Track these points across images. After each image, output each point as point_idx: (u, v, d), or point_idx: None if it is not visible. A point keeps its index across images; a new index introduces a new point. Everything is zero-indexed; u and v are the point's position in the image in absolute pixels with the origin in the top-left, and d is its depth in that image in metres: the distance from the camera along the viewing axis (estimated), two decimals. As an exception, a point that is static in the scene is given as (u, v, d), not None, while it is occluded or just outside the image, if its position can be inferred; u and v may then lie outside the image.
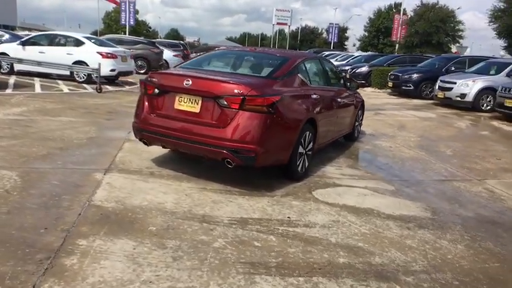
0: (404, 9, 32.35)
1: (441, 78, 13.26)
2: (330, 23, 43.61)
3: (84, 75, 11.62)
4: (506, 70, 12.51)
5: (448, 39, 31.46)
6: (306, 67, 5.10)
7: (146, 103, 4.43)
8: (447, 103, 12.86)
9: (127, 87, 12.43)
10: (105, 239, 2.96)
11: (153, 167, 4.72)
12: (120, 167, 4.62)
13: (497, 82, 12.06)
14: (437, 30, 30.40)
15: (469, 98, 12.27)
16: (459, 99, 12.43)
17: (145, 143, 4.56)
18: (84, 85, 11.50)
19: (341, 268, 2.88)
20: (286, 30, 53.06)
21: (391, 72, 15.88)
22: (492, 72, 12.94)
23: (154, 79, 4.38)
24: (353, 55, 24.24)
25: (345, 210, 3.97)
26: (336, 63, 23.99)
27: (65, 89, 10.66)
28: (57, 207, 3.42)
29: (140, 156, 5.07)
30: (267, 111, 3.94)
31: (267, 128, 3.96)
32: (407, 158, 6.29)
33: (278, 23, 45.26)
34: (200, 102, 4.08)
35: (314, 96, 4.88)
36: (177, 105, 4.22)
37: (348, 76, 16.37)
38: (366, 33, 43.05)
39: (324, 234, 3.39)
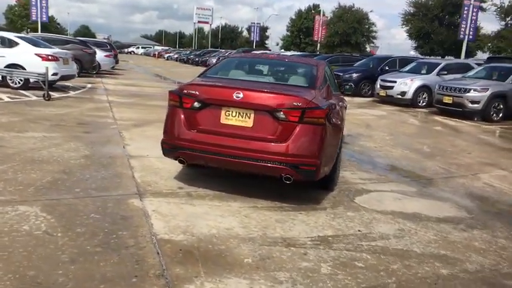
0: (323, 11, 34.25)
1: (381, 77, 14.25)
2: (252, 22, 44.35)
3: (20, 80, 10.15)
4: (436, 70, 13.91)
5: (363, 40, 34.17)
6: (327, 73, 5.07)
7: (182, 118, 4.01)
8: (388, 100, 13.86)
9: (72, 93, 11.16)
10: (213, 281, 2.62)
11: (184, 187, 4.30)
12: (150, 190, 4.13)
13: (430, 81, 13.38)
14: (354, 31, 32.81)
15: (409, 95, 13.37)
16: (400, 96, 13.47)
17: (181, 162, 4.13)
18: (22, 92, 10.04)
19: (450, 280, 2.93)
20: (205, 29, 52.55)
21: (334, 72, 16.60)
22: (423, 71, 14.27)
23: (193, 91, 3.98)
24: (285, 55, 24.87)
25: (397, 217, 4.04)
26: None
27: (4, 97, 9.19)
28: (125, 248, 2.94)
29: (160, 176, 4.59)
30: (323, 122, 3.84)
31: (323, 140, 3.86)
32: (399, 158, 6.64)
33: (199, 22, 44.57)
34: (253, 115, 3.81)
35: (340, 103, 4.89)
36: (223, 120, 3.89)
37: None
38: (289, 33, 44.71)
39: (405, 245, 3.41)
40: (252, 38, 43.84)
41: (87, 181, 4.24)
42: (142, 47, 66.56)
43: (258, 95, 3.87)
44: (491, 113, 11.18)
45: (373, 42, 35.89)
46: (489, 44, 23.64)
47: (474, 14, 22.15)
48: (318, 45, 34.76)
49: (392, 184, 5.16)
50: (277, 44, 46.96)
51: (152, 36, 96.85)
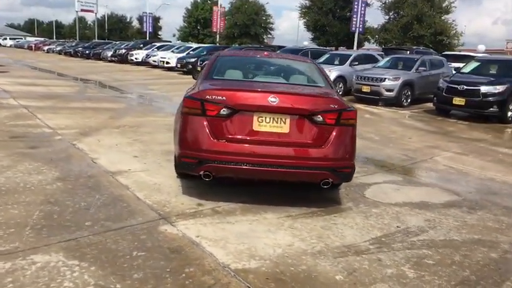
0: (220, 3, 34.08)
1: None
2: (143, 12, 41.75)
3: None
4: (349, 61, 14.98)
5: (262, 31, 35.07)
6: None
7: (206, 127, 3.57)
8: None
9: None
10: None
11: (203, 203, 3.87)
12: (171, 212, 3.62)
13: (344, 71, 14.37)
14: (253, 23, 33.43)
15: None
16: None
17: (206, 177, 3.67)
18: None
19: (505, 263, 3.20)
20: (88, 18, 47.97)
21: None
22: (337, 62, 15.25)
23: (220, 97, 3.56)
24: (191, 47, 24.17)
25: (413, 207, 4.25)
26: (175, 55, 23.50)
27: None
28: (201, 285, 2.51)
29: (167, 193, 4.07)
30: (355, 123, 3.81)
31: (355, 140, 3.84)
32: (362, 148, 6.93)
33: (82, 10, 40.38)
34: (288, 120, 3.58)
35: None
36: (256, 127, 3.57)
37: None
38: (186, 24, 43.27)
39: (444, 236, 3.61)
40: (144, 29, 41.35)
41: (90, 211, 3.52)
42: (10, 38, 57.95)
43: (295, 98, 3.65)
44: (402, 99, 12.50)
45: (270, 34, 37.30)
46: (376, 36, 26.49)
47: (362, 8, 24.48)
48: (218, 36, 34.64)
49: (379, 175, 5.41)
50: (174, 35, 45.44)
51: (21, 25, 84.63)
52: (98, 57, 30.43)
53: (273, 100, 3.54)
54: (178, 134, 3.75)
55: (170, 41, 29.98)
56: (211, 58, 4.79)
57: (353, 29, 24.10)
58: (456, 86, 10.46)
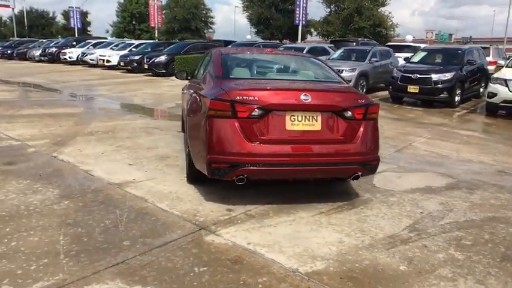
0: (156, -4, 32.82)
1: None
2: (70, 7, 38.57)
3: None
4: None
5: (202, 25, 34.39)
6: None
7: (238, 129, 3.42)
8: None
9: None
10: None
11: (232, 208, 3.73)
12: (207, 221, 3.44)
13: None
14: (193, 17, 32.62)
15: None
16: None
17: (240, 181, 3.52)
18: None
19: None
20: (3, 14, 43.63)
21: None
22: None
23: (251, 97, 3.42)
24: (132, 43, 23.01)
25: (423, 192, 4.46)
26: (115, 52, 22.35)
27: None
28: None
29: (190, 201, 3.87)
30: (377, 117, 3.88)
31: (378, 134, 3.92)
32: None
33: (-1, 5, 36.48)
34: (320, 118, 3.55)
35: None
36: (289, 126, 3.50)
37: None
38: (119, 19, 40.79)
39: (464, 216, 3.84)
40: (72, 25, 38.44)
41: (119, 229, 3.22)
42: None
43: (326, 95, 3.64)
44: (359, 89, 13.05)
45: (211, 28, 36.69)
46: (319, 29, 27.28)
47: (304, 2, 25.04)
48: (156, 32, 33.31)
49: (374, 164, 5.62)
50: (107, 31, 42.68)
51: None
52: (24, 57, 27.84)
53: (305, 98, 3.50)
54: (205, 138, 3.54)
55: (106, 38, 28.33)
56: (213, 56, 4.59)
57: (297, 22, 24.61)
58: (410, 75, 11.13)
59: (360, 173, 3.74)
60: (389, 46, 17.37)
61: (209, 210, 3.66)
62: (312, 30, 28.32)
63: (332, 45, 17.00)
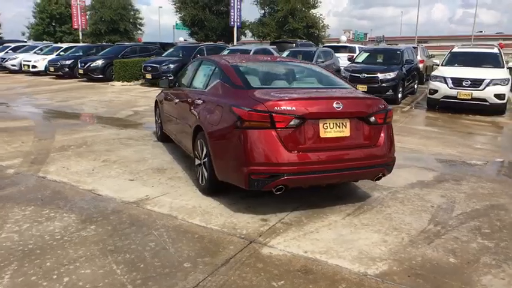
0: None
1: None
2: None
3: None
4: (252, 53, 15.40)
5: (131, 27, 32.81)
6: None
7: (277, 139, 3.45)
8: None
9: None
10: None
11: (266, 218, 3.74)
12: (250, 234, 3.43)
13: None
14: (121, 18, 30.99)
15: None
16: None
17: (279, 190, 3.55)
18: None
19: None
20: None
21: (146, 64, 15.76)
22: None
23: (289, 107, 3.46)
24: (60, 47, 21.28)
25: (421, 187, 4.84)
26: (42, 57, 20.74)
27: None
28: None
29: (221, 215, 3.80)
30: (391, 121, 4.13)
31: (393, 136, 4.17)
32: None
33: None
34: (348, 124, 3.70)
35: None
36: (322, 133, 3.60)
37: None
38: (37, 20, 36.95)
39: (469, 206, 4.25)
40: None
41: (170, 251, 3.06)
42: None
43: (354, 102, 3.79)
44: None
45: (140, 29, 35.12)
46: (254, 30, 27.59)
47: (238, 3, 25.20)
48: (80, 34, 31.00)
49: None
50: (24, 34, 38.56)
51: None
52: None
53: (337, 106, 3.63)
54: (242, 150, 3.51)
55: (25, 41, 25.74)
56: (220, 66, 4.52)
57: (232, 23, 24.72)
58: (358, 75, 11.85)
59: (382, 174, 3.98)
60: (327, 47, 18.26)
61: (245, 222, 3.63)
62: (247, 31, 28.68)
63: (275, 46, 17.40)
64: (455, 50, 12.56)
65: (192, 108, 4.69)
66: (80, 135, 7.12)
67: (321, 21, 26.52)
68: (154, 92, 15.11)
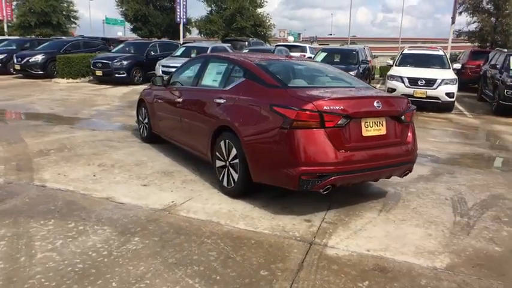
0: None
1: (162, 63, 14.09)
2: None
3: None
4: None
5: (65, 20, 30.20)
6: None
7: (326, 139, 3.43)
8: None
9: None
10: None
11: (309, 218, 3.70)
12: (304, 236, 3.37)
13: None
14: (54, 10, 28.39)
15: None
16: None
17: (327, 190, 3.52)
18: None
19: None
20: None
21: (96, 60, 14.71)
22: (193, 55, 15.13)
23: (338, 106, 3.45)
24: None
25: (426, 181, 5.08)
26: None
27: None
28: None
29: (263, 218, 3.69)
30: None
31: None
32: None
33: None
34: (385, 122, 3.78)
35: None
36: (364, 132, 3.65)
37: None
38: None
39: (477, 197, 4.55)
40: None
41: (237, 259, 2.89)
42: None
43: (390, 101, 3.88)
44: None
45: (75, 23, 32.31)
46: (202, 27, 26.87)
47: (184, 0, 24.46)
48: (5, 26, 27.77)
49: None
50: None
51: None
52: None
53: (378, 105, 3.70)
54: (290, 151, 3.42)
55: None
56: (243, 64, 4.38)
57: (178, 20, 23.97)
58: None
59: (409, 171, 4.14)
60: (282, 46, 18.52)
61: (291, 224, 3.56)
62: (191, 28, 27.96)
63: (229, 44, 17.23)
64: (406, 51, 13.42)
65: (208, 107, 4.47)
66: (51, 137, 6.45)
67: (268, 20, 26.83)
68: (109, 90, 14.33)
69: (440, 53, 13.03)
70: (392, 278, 2.78)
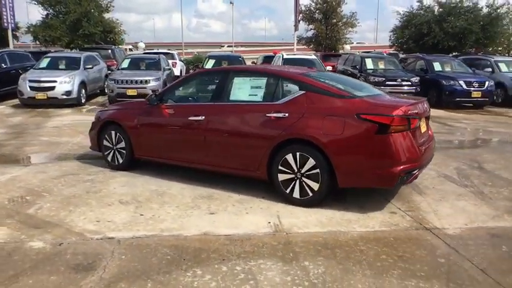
0: None
1: (29, 78, 11.82)
2: None
3: None
4: (82, 64, 13.23)
5: None
6: None
7: (412, 139, 4.00)
8: (53, 103, 11.87)
9: None
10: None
11: (395, 211, 4.12)
12: (418, 224, 3.76)
13: (85, 75, 12.90)
14: None
15: (74, 94, 12.19)
16: (65, 97, 12.01)
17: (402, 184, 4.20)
18: None
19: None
20: None
21: None
22: (69, 66, 13.10)
23: (414, 110, 4.14)
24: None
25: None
26: None
27: None
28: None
29: (357, 217, 3.92)
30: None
31: None
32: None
33: None
34: (424, 121, 4.56)
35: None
36: (422, 129, 4.39)
37: None
38: None
39: (481, 191, 5.73)
40: None
41: (460, 265, 3.07)
42: None
43: (425, 104, 4.57)
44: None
45: None
46: (41, 34, 22.25)
47: (11, 2, 20.22)
48: None
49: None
50: None
51: None
52: None
53: (427, 106, 4.51)
54: (390, 152, 3.81)
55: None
56: (298, 79, 4.47)
57: (5, 25, 19.80)
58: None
59: (429, 163, 5.01)
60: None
61: (390, 218, 3.91)
62: (26, 35, 23.40)
63: (97, 53, 15.42)
64: (285, 56, 14.71)
65: (259, 122, 4.34)
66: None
67: (118, 27, 24.67)
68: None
69: (313, 57, 14.76)
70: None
